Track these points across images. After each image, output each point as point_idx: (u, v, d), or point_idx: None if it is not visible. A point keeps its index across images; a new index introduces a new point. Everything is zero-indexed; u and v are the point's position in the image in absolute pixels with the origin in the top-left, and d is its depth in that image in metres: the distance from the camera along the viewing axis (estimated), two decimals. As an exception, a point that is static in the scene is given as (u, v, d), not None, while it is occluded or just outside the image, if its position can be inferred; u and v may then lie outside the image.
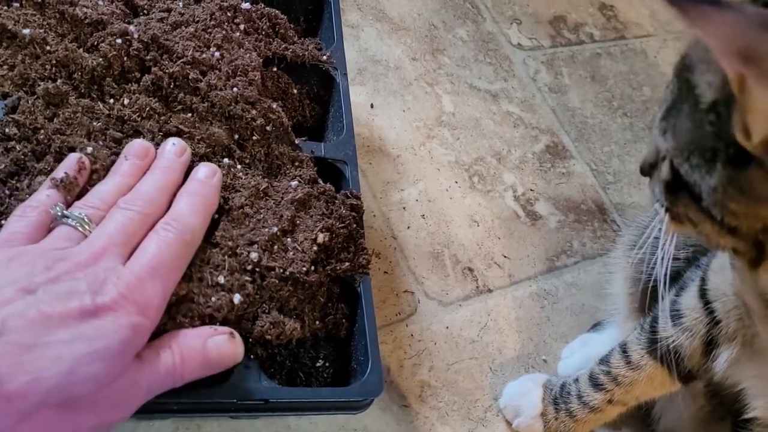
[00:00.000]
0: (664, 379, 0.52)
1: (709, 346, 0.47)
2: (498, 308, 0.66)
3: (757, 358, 0.43)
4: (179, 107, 0.49)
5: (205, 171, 0.45)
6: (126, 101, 0.49)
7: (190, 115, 0.49)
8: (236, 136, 0.50)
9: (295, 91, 0.59)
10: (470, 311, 0.65)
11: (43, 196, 0.41)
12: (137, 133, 0.48)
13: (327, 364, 0.48)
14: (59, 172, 0.42)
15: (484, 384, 0.61)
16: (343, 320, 0.48)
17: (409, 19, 0.85)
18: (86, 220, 0.40)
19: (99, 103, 0.48)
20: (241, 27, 0.56)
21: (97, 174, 0.44)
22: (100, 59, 0.48)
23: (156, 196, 0.42)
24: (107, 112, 0.48)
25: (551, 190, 0.78)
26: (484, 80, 0.84)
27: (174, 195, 0.44)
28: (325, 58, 0.60)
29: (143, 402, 0.37)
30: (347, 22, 0.80)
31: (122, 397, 0.35)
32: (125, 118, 0.48)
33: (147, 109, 0.48)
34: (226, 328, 0.41)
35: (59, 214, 0.40)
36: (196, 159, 0.48)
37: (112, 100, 0.48)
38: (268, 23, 0.58)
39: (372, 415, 0.56)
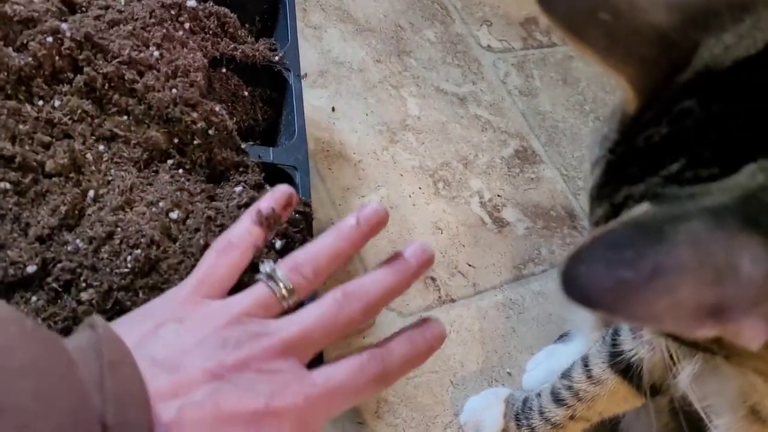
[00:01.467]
0: (627, 394, 0.49)
1: (672, 359, 0.45)
2: (461, 319, 0.64)
3: (719, 373, 0.41)
4: (114, 109, 0.46)
5: (437, 332, 0.38)
6: (56, 103, 0.46)
7: (125, 117, 0.46)
8: (176, 140, 0.47)
9: (246, 93, 0.57)
10: (432, 322, 0.62)
11: (245, 232, 0.37)
12: (67, 137, 0.45)
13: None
14: (265, 204, 0.38)
15: (444, 399, 0.58)
16: None
17: (374, 20, 0.83)
18: (290, 287, 0.35)
19: (27, 105, 0.45)
20: (186, 26, 0.53)
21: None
22: (29, 58, 0.45)
23: (375, 302, 0.36)
24: (35, 114, 0.45)
25: (519, 195, 0.75)
26: (451, 83, 0.82)
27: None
28: (277, 58, 0.57)
29: None
30: (310, 23, 0.78)
31: None
32: (55, 120, 0.45)
33: (79, 111, 0.45)
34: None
35: (267, 272, 0.35)
36: (131, 164, 0.45)
37: (41, 102, 0.45)
38: (216, 22, 0.55)
39: (324, 433, 0.53)
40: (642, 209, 0.24)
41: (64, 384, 0.27)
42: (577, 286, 0.22)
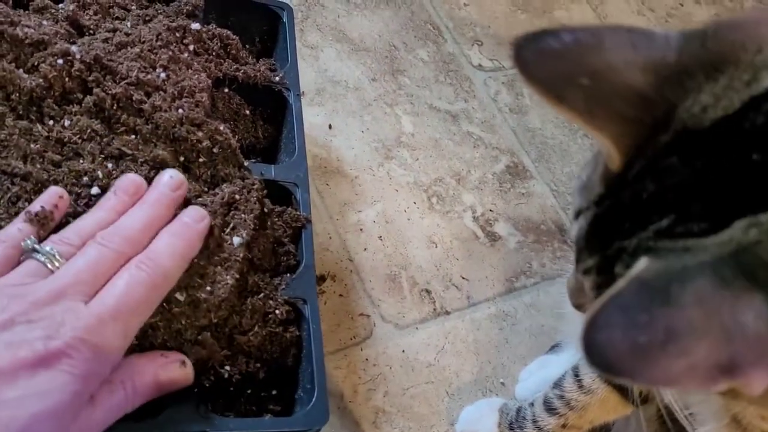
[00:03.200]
0: (617, 403, 0.51)
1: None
2: (456, 331, 0.65)
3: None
4: (122, 129, 0.48)
5: (192, 214, 0.43)
6: (66, 123, 0.47)
7: (133, 137, 0.48)
8: (182, 158, 0.49)
9: (248, 112, 0.59)
10: (427, 334, 0.64)
11: (15, 230, 0.39)
12: (77, 156, 0.46)
13: (274, 393, 0.47)
14: (35, 206, 0.40)
15: (440, 409, 0.60)
16: (291, 347, 0.47)
17: (369, 40, 0.85)
18: (57, 256, 0.38)
19: (38, 124, 0.47)
20: (191, 48, 0.55)
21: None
22: (40, 80, 0.47)
23: (137, 234, 0.40)
24: (46, 134, 0.46)
25: (511, 210, 0.78)
26: (444, 101, 0.84)
27: (157, 232, 0.41)
28: (277, 78, 0.59)
29: None
30: (307, 43, 0.80)
31: None
32: (65, 140, 0.46)
33: (88, 131, 0.47)
34: (177, 355, 0.40)
35: (30, 248, 0.38)
36: (139, 182, 0.47)
37: (51, 122, 0.47)
38: (219, 44, 0.57)
39: (324, 443, 0.54)
40: (642, 265, 0.25)
41: None
42: (598, 354, 0.23)
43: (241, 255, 0.45)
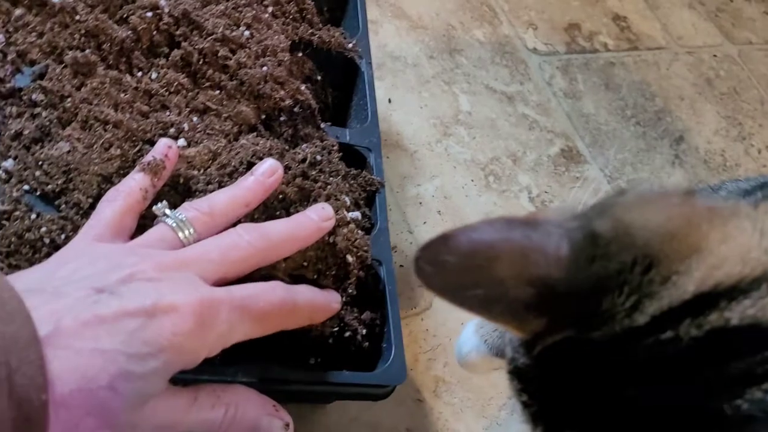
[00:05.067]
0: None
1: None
2: (512, 307, 0.65)
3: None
4: (207, 84, 0.49)
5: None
6: (154, 75, 0.48)
7: (218, 92, 0.49)
8: (263, 116, 0.50)
9: (319, 77, 0.59)
10: (485, 309, 0.64)
11: (131, 181, 0.40)
12: (164, 108, 0.47)
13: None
14: (148, 157, 0.41)
15: (498, 381, 0.60)
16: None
17: (427, 18, 0.85)
18: (186, 222, 0.38)
19: (127, 75, 0.47)
20: (269, 9, 0.55)
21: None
22: (130, 32, 0.48)
23: (279, 240, 0.39)
24: (134, 85, 0.47)
25: (566, 193, 0.77)
26: (500, 82, 0.84)
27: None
28: (350, 46, 0.59)
29: None
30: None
31: (156, 421, 0.33)
32: (152, 92, 0.47)
33: (175, 84, 0.48)
34: (285, 416, 0.39)
35: (161, 212, 0.39)
36: (222, 136, 0.47)
37: (140, 73, 0.48)
38: (295, 8, 0.58)
39: (385, 408, 0.55)
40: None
41: None
42: None
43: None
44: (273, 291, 0.38)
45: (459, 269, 0.27)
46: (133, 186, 0.39)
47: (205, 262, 0.36)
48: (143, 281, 0.33)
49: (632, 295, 0.24)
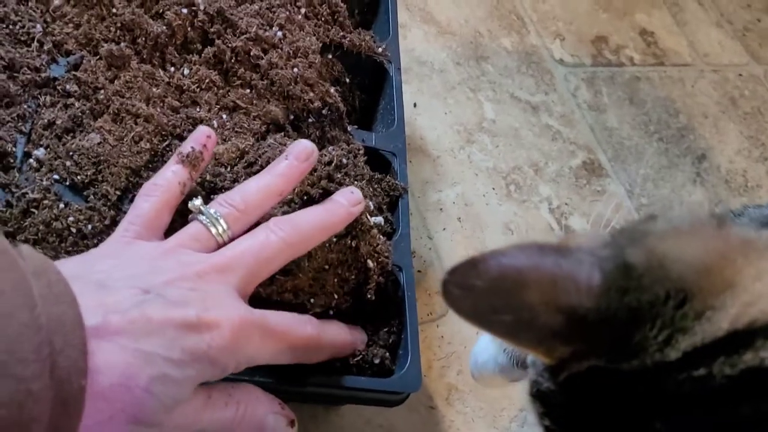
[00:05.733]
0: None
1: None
2: (527, 319, 0.65)
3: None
4: (238, 82, 0.49)
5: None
6: (186, 71, 0.48)
7: (248, 91, 0.49)
8: (291, 117, 0.50)
9: (348, 80, 0.59)
10: (500, 319, 0.64)
11: (169, 173, 0.39)
12: (194, 104, 0.47)
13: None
14: (186, 147, 0.40)
15: (511, 392, 0.60)
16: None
17: (455, 24, 0.85)
18: (220, 220, 0.38)
19: (159, 70, 0.48)
20: (302, 11, 0.55)
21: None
22: (164, 27, 0.48)
23: (309, 231, 0.39)
24: (167, 79, 0.47)
25: (586, 206, 0.77)
26: (525, 91, 0.83)
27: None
28: (380, 50, 0.59)
29: None
30: (395, 21, 0.80)
31: (180, 424, 0.33)
32: (184, 87, 0.47)
33: (207, 81, 0.48)
34: (290, 413, 0.39)
35: (195, 209, 0.39)
36: (250, 134, 0.47)
37: (172, 69, 0.48)
38: (327, 10, 0.58)
39: (398, 414, 0.55)
40: None
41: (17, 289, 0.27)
42: None
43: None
44: (305, 326, 0.38)
45: (488, 294, 0.27)
46: (172, 180, 0.39)
47: (240, 268, 0.36)
48: (186, 290, 0.34)
49: (665, 329, 0.24)
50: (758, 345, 0.22)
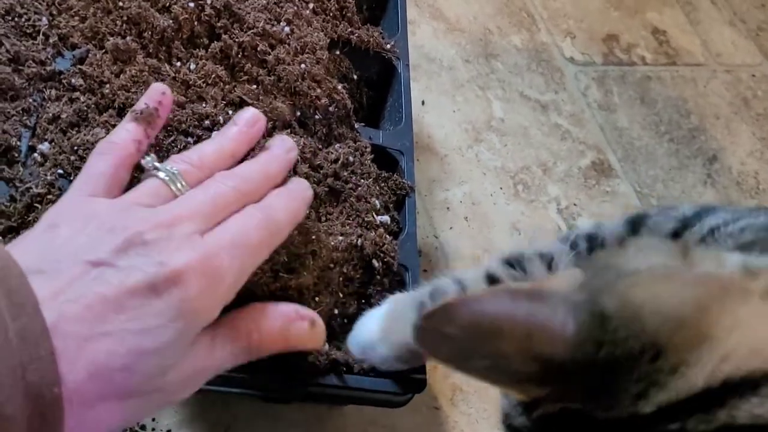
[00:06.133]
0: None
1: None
2: (534, 320, 0.65)
3: None
4: (245, 78, 0.48)
5: (302, 183, 0.43)
6: (192, 66, 0.48)
7: (254, 86, 0.48)
8: (298, 113, 0.49)
9: (355, 76, 0.59)
10: (506, 319, 0.63)
11: (123, 132, 0.38)
12: (200, 99, 0.47)
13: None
14: (140, 104, 0.39)
15: (515, 394, 0.59)
16: None
17: (465, 21, 0.84)
18: (178, 175, 0.37)
19: (165, 64, 0.47)
20: (310, 6, 0.55)
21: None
22: (171, 21, 0.47)
23: (255, 180, 0.39)
24: (173, 74, 0.47)
25: (594, 207, 0.76)
26: (535, 90, 0.83)
27: (269, 190, 0.40)
28: (389, 46, 0.59)
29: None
30: (404, 18, 0.80)
31: (185, 381, 0.32)
32: (190, 82, 0.47)
33: (213, 76, 0.47)
34: (309, 313, 0.38)
35: (150, 165, 0.37)
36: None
37: (178, 63, 0.48)
38: (336, 5, 0.57)
39: (402, 414, 0.54)
40: None
41: None
42: None
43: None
44: (252, 218, 0.37)
45: (462, 341, 0.27)
46: (126, 138, 0.38)
47: (198, 215, 0.35)
48: (140, 247, 0.32)
49: (640, 382, 0.23)
50: (732, 403, 0.22)
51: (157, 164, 0.38)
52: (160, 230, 0.33)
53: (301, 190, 0.42)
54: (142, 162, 0.38)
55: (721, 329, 0.23)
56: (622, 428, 0.23)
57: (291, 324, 0.37)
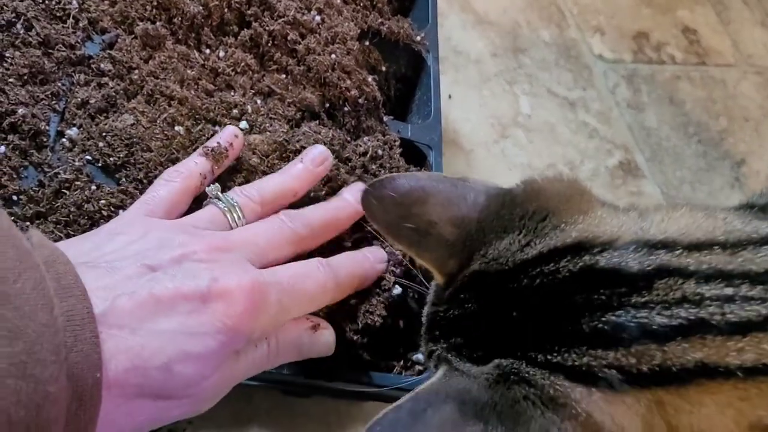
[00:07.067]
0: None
1: None
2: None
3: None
4: (274, 67, 0.48)
5: (378, 255, 0.43)
6: (221, 54, 0.47)
7: (284, 76, 0.48)
8: (327, 104, 0.49)
9: (384, 68, 0.58)
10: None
11: (192, 163, 0.40)
12: (229, 87, 0.46)
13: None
14: (212, 142, 0.41)
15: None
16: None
17: (493, 14, 0.83)
18: (236, 207, 0.38)
19: (195, 51, 0.47)
20: (341, -5, 0.54)
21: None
22: (201, 7, 0.47)
23: (319, 227, 0.40)
24: (202, 62, 0.46)
25: (620, 207, 0.75)
26: (562, 86, 0.81)
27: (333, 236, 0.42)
28: (419, 38, 0.58)
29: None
30: (432, 9, 0.78)
31: (214, 391, 0.33)
32: (219, 70, 0.46)
33: (242, 64, 0.47)
34: (323, 323, 0.39)
35: (213, 194, 0.39)
36: (285, 121, 0.46)
37: (208, 51, 0.47)
38: (367, -5, 0.56)
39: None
40: (440, 374, 0.31)
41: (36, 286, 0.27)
42: None
43: None
44: (316, 271, 0.38)
45: (397, 205, 0.33)
46: (193, 169, 0.39)
47: (252, 246, 0.36)
48: (195, 262, 0.33)
49: (527, 236, 0.31)
50: (595, 252, 0.29)
51: (219, 194, 0.39)
52: (215, 253, 0.34)
53: (375, 261, 0.42)
54: (206, 189, 0.39)
55: (596, 209, 0.31)
56: (510, 275, 0.30)
57: (306, 331, 0.38)
